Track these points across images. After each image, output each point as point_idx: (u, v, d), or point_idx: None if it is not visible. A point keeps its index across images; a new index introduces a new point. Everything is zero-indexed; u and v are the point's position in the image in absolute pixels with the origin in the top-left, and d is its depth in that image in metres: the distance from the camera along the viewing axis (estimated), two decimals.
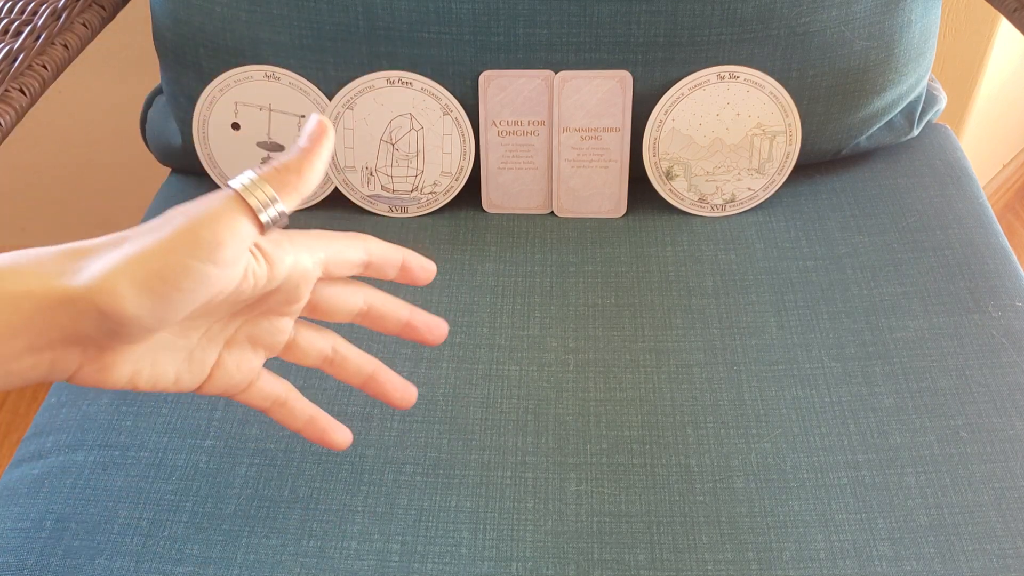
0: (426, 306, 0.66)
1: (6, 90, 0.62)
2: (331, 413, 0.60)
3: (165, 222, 0.37)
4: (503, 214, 0.74)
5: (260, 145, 0.72)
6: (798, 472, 0.56)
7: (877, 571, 0.51)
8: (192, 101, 0.72)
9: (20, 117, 0.63)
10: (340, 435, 0.50)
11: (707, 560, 0.52)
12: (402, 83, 0.69)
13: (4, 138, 0.61)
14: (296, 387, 0.61)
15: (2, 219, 1.21)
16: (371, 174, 0.72)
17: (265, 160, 0.72)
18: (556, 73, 0.69)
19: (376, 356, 0.63)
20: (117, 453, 0.58)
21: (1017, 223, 1.34)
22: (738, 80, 0.68)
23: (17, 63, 0.63)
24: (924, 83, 0.76)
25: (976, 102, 1.08)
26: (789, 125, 0.70)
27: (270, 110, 0.71)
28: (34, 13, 0.67)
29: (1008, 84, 1.13)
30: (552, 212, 0.74)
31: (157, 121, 0.78)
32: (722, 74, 0.68)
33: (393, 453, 0.58)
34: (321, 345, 0.48)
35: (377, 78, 0.69)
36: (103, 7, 0.71)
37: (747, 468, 0.56)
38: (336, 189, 0.73)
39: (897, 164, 0.75)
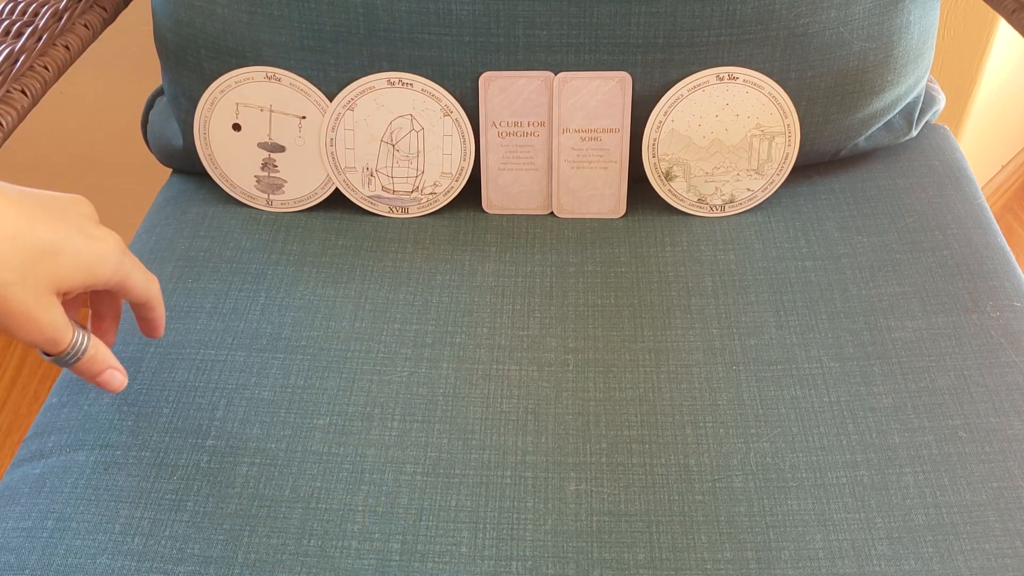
0: (427, 307, 0.66)
1: (8, 91, 0.62)
2: (331, 413, 0.60)
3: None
4: (503, 215, 0.74)
5: (261, 146, 0.72)
6: (797, 472, 0.56)
7: (875, 570, 0.52)
8: (193, 102, 0.72)
9: (22, 118, 0.63)
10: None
11: (706, 559, 0.52)
12: (402, 84, 0.70)
13: (6, 139, 0.61)
14: (299, 385, 0.61)
15: None
16: (372, 175, 0.72)
17: (266, 162, 0.73)
18: (556, 74, 0.69)
19: (375, 356, 0.63)
20: (118, 453, 0.58)
21: (1016, 224, 1.34)
22: (737, 81, 0.69)
23: (19, 64, 0.64)
24: (923, 84, 0.76)
25: (975, 103, 1.08)
26: (788, 126, 0.70)
27: (271, 111, 0.71)
28: (35, 14, 0.67)
29: (1007, 85, 1.14)
30: (552, 213, 0.74)
31: (158, 122, 0.79)
32: (721, 75, 0.69)
33: (393, 452, 0.58)
34: None
35: (378, 79, 0.69)
36: (104, 8, 0.71)
37: (746, 468, 0.56)
38: (337, 190, 0.73)
39: (896, 165, 0.76)
